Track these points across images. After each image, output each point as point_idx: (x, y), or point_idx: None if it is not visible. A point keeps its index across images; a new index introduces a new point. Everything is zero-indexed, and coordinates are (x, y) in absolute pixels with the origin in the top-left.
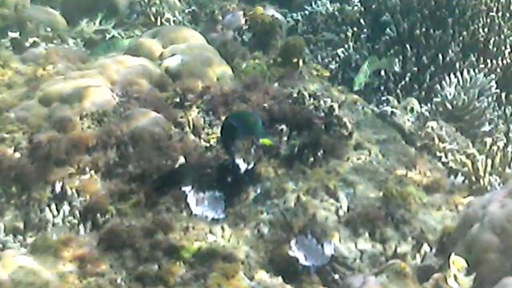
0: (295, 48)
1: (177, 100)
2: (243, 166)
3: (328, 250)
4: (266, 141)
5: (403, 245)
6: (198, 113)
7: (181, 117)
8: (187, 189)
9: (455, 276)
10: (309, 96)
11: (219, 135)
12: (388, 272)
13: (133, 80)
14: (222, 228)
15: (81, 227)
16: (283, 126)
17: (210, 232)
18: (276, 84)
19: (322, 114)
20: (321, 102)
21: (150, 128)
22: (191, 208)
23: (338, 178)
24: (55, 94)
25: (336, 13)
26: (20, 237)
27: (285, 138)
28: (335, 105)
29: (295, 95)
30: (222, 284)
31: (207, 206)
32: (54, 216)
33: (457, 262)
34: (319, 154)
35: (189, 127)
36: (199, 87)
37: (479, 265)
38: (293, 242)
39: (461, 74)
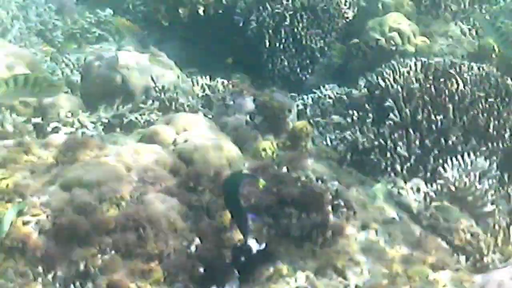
0: (302, 131)
1: (191, 184)
2: (255, 247)
3: None
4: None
5: None
6: (212, 197)
7: (196, 201)
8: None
9: None
10: (317, 179)
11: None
12: None
13: (148, 166)
14: None
15: None
16: (292, 210)
17: None
18: (284, 168)
19: (330, 196)
20: (329, 185)
21: (166, 212)
22: None
23: (346, 258)
24: (75, 180)
25: (344, 97)
26: None
27: (294, 221)
28: (341, 188)
29: (303, 178)
30: None
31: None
32: None
33: None
34: (327, 234)
35: (203, 210)
36: (211, 172)
37: None
38: None
39: (462, 157)
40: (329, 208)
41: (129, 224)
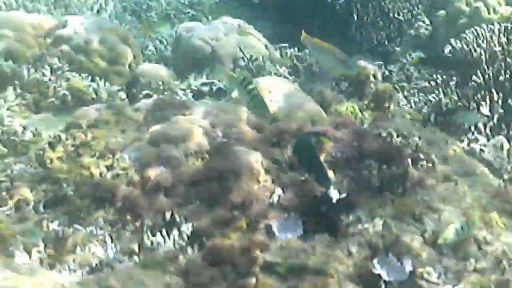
0: (385, 93)
1: (274, 140)
2: (336, 197)
3: (408, 267)
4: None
5: (483, 262)
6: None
7: (278, 155)
8: (272, 222)
9: None
10: (398, 135)
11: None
12: (465, 283)
13: (232, 123)
14: (313, 247)
15: (189, 248)
16: (372, 161)
17: (303, 250)
18: (366, 125)
19: (410, 150)
20: (409, 140)
21: (249, 164)
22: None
23: (424, 206)
24: (162, 136)
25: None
26: (135, 258)
27: (375, 172)
28: (422, 143)
29: (384, 134)
30: None
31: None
32: (165, 240)
33: None
34: (407, 185)
35: (286, 163)
36: (293, 128)
37: None
38: (375, 261)
39: None
40: (409, 161)
41: (213, 175)
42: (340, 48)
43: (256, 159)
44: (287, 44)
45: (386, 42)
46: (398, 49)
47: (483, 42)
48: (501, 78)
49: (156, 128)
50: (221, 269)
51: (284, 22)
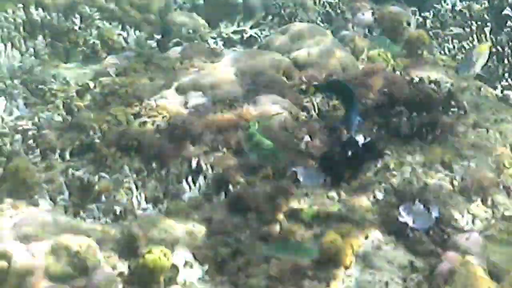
0: (419, 40)
1: (303, 87)
2: (361, 141)
3: (435, 214)
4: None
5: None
6: (323, 98)
7: (307, 102)
8: (298, 169)
9: None
10: (430, 82)
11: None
12: (492, 231)
13: (261, 70)
14: (339, 194)
15: (214, 196)
16: (402, 108)
17: (327, 197)
18: (397, 72)
19: (441, 97)
20: (441, 86)
21: (277, 111)
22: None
23: (454, 153)
24: (190, 84)
25: (464, 10)
26: (160, 206)
27: (404, 119)
28: (454, 89)
29: (415, 80)
30: (337, 241)
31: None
32: (190, 187)
33: None
34: (437, 132)
35: (314, 110)
36: (323, 75)
37: None
38: (401, 208)
39: None
40: (440, 107)
41: (240, 123)
42: None
43: (284, 106)
44: None
45: None
46: None
47: None
48: None
49: (184, 75)
50: (245, 217)
51: None
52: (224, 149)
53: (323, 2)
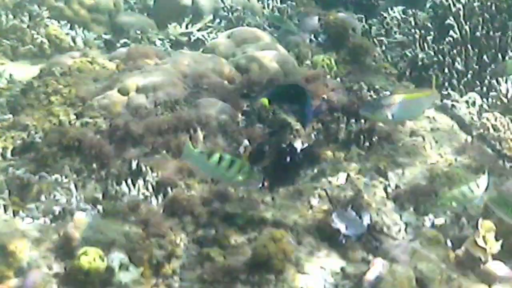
0: (362, 47)
1: (244, 91)
2: (299, 147)
3: (366, 221)
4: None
5: (442, 219)
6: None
7: (247, 106)
8: None
9: (483, 237)
10: (369, 89)
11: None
12: (421, 239)
13: (203, 73)
14: (273, 199)
15: (153, 199)
16: (340, 114)
17: (263, 202)
18: (338, 79)
19: None
20: (380, 94)
21: (217, 115)
22: None
23: (389, 160)
24: (133, 85)
25: (410, 18)
26: (99, 207)
27: (342, 125)
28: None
29: (355, 87)
30: (269, 246)
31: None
32: (129, 189)
33: (485, 225)
34: (374, 139)
35: (255, 115)
36: (265, 80)
37: (511, 235)
38: (334, 215)
39: None
40: None
41: (180, 126)
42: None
43: (224, 110)
44: None
45: None
46: (382, 3)
47: None
48: (478, 34)
49: (127, 76)
50: (181, 220)
51: None
52: (164, 151)
53: (272, 6)
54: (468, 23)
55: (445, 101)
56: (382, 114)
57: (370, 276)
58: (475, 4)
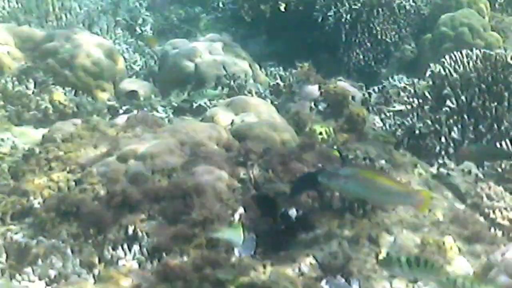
0: (359, 116)
1: (241, 159)
2: (294, 215)
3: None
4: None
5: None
6: (259, 171)
7: (244, 174)
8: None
9: None
10: (364, 158)
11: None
12: None
13: (201, 141)
14: (264, 266)
15: (148, 263)
16: None
17: (254, 269)
18: (335, 147)
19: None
20: (375, 163)
21: (213, 182)
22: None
23: (382, 228)
24: (131, 152)
25: (409, 87)
26: (95, 271)
27: (337, 194)
28: (388, 166)
29: (350, 156)
30: None
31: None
32: (125, 254)
33: None
34: (367, 207)
35: (251, 183)
36: (261, 149)
37: None
38: (323, 282)
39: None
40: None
41: (177, 193)
42: (329, 68)
43: (220, 178)
44: (273, 63)
45: (373, 63)
46: (384, 70)
47: (459, 67)
48: (474, 104)
49: (126, 144)
50: (173, 285)
51: (276, 41)
52: (160, 218)
53: (275, 74)
54: (465, 93)
55: (441, 169)
56: (336, 184)
57: None
58: (472, 74)
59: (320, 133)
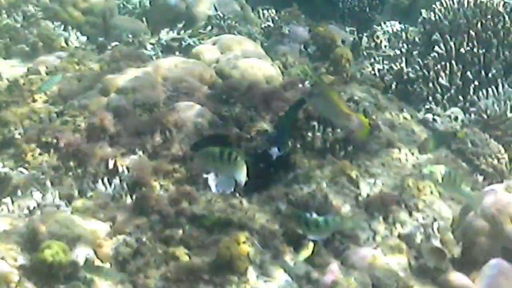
0: (343, 57)
1: (223, 96)
2: (275, 154)
3: None
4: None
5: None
6: (241, 108)
7: (225, 111)
8: (209, 176)
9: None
10: (348, 100)
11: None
12: (384, 247)
13: (183, 78)
14: (241, 202)
15: (128, 198)
16: (315, 123)
17: (230, 205)
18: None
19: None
20: (359, 105)
21: (194, 118)
22: (211, 188)
23: (362, 170)
24: (113, 86)
25: (400, 33)
26: (73, 203)
27: (318, 134)
28: (370, 108)
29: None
30: (231, 247)
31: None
32: (105, 188)
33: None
34: (349, 148)
35: (233, 120)
36: (244, 87)
37: (472, 248)
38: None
39: (497, 88)
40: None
41: (157, 127)
42: (324, 14)
43: (201, 114)
44: (269, 6)
45: (367, 9)
46: (378, 17)
47: (449, 13)
48: (462, 50)
49: (108, 77)
50: (149, 218)
51: None
52: (140, 152)
53: (267, 16)
54: (453, 39)
55: (427, 115)
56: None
57: (326, 280)
58: (461, 21)
59: (298, 74)
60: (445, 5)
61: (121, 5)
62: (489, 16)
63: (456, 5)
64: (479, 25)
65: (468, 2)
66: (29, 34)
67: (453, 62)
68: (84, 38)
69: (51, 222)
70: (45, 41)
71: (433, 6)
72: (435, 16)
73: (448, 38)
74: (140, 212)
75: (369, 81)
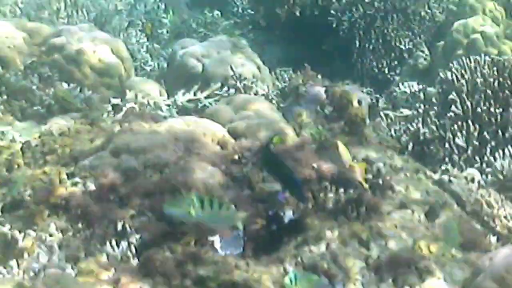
0: (358, 117)
1: (235, 157)
2: (288, 217)
3: None
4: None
5: None
6: (253, 169)
7: (237, 172)
8: (214, 239)
9: None
10: (362, 160)
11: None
12: None
13: (196, 138)
14: (247, 264)
15: (135, 261)
16: (327, 183)
17: (237, 267)
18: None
19: (370, 176)
20: (373, 166)
21: (205, 179)
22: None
23: (374, 232)
24: (124, 146)
25: (418, 93)
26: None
27: (330, 195)
28: (384, 169)
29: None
30: None
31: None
32: (113, 250)
33: None
34: (361, 209)
35: (244, 181)
36: (256, 147)
37: None
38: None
39: None
40: (367, 185)
41: (167, 188)
42: (342, 74)
43: (212, 174)
44: (287, 68)
45: (386, 70)
46: (397, 77)
47: (466, 72)
48: (479, 109)
49: (120, 138)
50: (153, 280)
51: (290, 47)
52: (150, 214)
53: (284, 76)
54: (470, 98)
55: (443, 176)
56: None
57: None
58: (478, 80)
59: (311, 134)
60: (462, 64)
61: (138, 67)
62: (506, 75)
63: (473, 64)
64: (496, 84)
65: (485, 61)
66: (45, 96)
67: (469, 122)
68: (98, 99)
69: (52, 284)
70: (61, 103)
71: (450, 65)
72: (452, 76)
73: (465, 97)
74: (145, 273)
75: (385, 142)
